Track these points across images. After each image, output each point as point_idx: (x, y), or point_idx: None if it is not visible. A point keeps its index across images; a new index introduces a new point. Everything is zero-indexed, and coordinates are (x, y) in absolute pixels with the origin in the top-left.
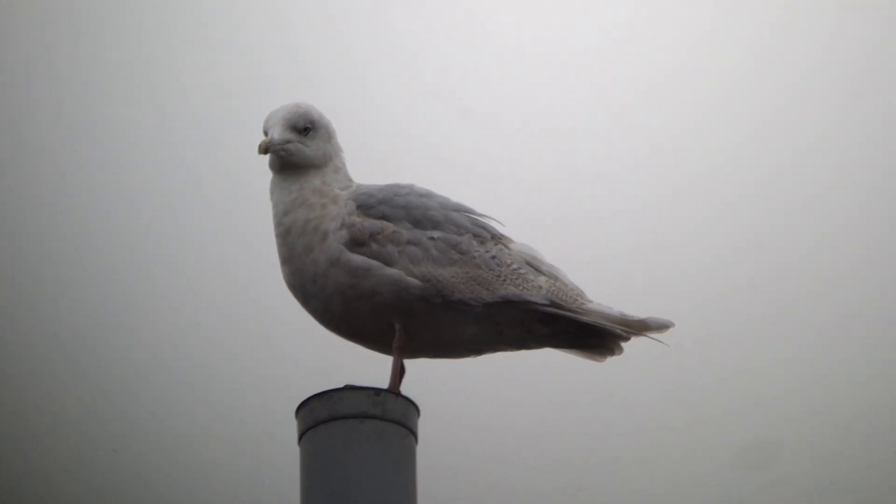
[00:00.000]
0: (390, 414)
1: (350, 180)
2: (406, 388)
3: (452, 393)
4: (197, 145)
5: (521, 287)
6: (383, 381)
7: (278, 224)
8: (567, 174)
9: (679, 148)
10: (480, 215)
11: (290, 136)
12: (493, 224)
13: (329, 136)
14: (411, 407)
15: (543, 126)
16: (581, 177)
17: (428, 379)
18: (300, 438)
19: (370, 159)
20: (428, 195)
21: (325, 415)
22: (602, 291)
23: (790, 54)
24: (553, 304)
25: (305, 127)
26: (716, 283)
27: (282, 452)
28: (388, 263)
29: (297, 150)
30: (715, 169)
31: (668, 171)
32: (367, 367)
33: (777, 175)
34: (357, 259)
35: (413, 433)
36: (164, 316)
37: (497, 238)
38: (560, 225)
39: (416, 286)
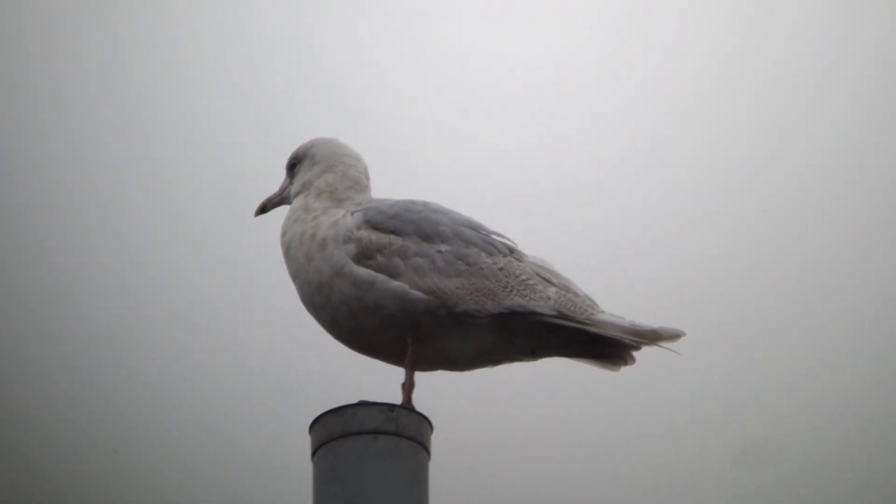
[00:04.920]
0: (404, 430)
1: (338, 201)
2: (419, 404)
3: (465, 408)
4: (205, 148)
5: (527, 298)
6: (393, 395)
7: (282, 245)
8: (567, 180)
9: (679, 148)
10: (492, 232)
11: (285, 182)
12: (506, 241)
13: (313, 162)
14: (424, 422)
15: (541, 128)
16: (581, 183)
17: (441, 394)
18: (314, 454)
19: (371, 161)
20: (441, 212)
21: (338, 431)
22: (598, 291)
23: (775, 53)
24: (561, 315)
25: (293, 164)
26: (716, 285)
27: (295, 468)
28: (394, 276)
29: (286, 195)
30: (719, 169)
31: (670, 172)
32: (379, 381)
33: (778, 173)
34: (362, 272)
35: (426, 449)
36: (175, 325)
37: (507, 252)
38: (563, 232)
39: (420, 299)
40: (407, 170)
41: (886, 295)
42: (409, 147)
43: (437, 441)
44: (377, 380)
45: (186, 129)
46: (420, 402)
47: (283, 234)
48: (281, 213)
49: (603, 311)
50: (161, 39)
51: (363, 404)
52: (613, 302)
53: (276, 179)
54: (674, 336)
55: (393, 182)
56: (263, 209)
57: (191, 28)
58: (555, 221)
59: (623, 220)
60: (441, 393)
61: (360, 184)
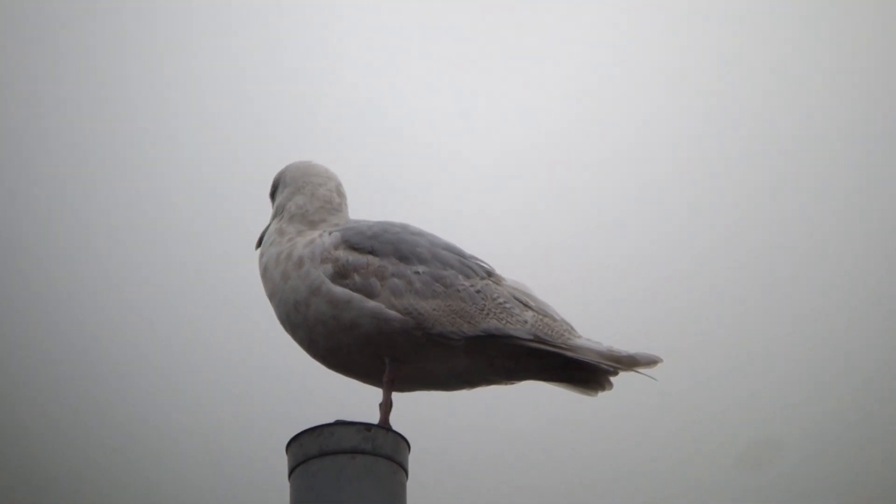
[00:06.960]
0: (381, 449)
1: (312, 224)
2: (396, 423)
3: (443, 428)
4: (190, 164)
5: (504, 321)
6: (370, 415)
7: (259, 266)
8: (553, 200)
9: (664, 155)
10: (471, 257)
11: (272, 210)
12: (483, 265)
13: (284, 186)
14: (402, 442)
15: (540, 131)
16: (568, 201)
17: (418, 414)
18: (290, 474)
19: (370, 163)
20: (419, 234)
21: (315, 450)
22: (594, 291)
23: (765, 83)
24: (537, 339)
25: (273, 192)
26: (712, 286)
27: (272, 488)
28: (370, 296)
29: (267, 227)
30: (703, 173)
31: (664, 174)
32: (357, 400)
33: (765, 181)
34: (339, 290)
35: (404, 468)
36: (159, 343)
37: (485, 275)
38: (548, 248)
39: (395, 319)
40: (405, 169)
41: (885, 294)
42: (408, 146)
43: (414, 460)
44: (354, 399)
45: (179, 140)
46: (397, 421)
47: (261, 256)
48: None
49: (580, 336)
50: (147, 51)
51: (340, 423)
52: (607, 300)
53: (258, 204)
54: (651, 362)
55: (382, 194)
56: (261, 241)
57: (183, 37)
58: (540, 237)
59: (616, 226)
60: (419, 412)
61: (330, 203)
